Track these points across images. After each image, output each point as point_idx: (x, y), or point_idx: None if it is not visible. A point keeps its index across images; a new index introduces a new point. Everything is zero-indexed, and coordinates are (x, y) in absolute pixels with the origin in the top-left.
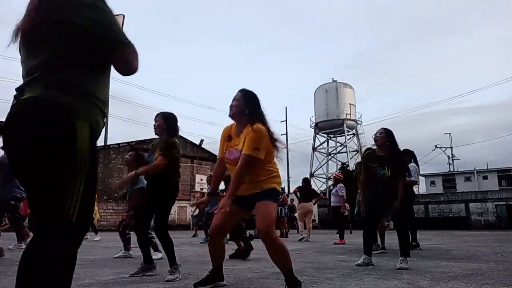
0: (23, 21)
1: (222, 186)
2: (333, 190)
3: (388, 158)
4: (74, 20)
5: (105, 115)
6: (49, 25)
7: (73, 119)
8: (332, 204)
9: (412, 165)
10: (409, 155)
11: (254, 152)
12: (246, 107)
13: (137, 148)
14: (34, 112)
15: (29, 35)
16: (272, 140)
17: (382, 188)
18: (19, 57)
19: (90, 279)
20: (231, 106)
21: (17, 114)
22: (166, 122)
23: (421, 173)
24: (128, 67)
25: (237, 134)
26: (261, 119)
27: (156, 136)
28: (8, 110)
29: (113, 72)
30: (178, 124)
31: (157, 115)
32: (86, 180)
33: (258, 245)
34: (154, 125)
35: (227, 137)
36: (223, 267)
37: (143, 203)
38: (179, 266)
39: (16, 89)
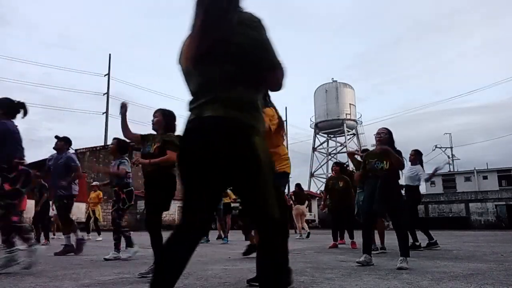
0: (195, 38)
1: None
2: None
3: (386, 153)
4: (241, 42)
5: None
6: (221, 44)
7: (252, 135)
8: None
9: (418, 168)
10: (419, 156)
11: (266, 122)
12: None
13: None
14: (219, 130)
15: (202, 53)
16: (281, 125)
17: (380, 183)
18: (179, 72)
19: (90, 279)
20: None
21: (205, 131)
22: (165, 119)
23: None
24: (277, 86)
25: None
26: (269, 104)
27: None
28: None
29: (114, 71)
30: (177, 123)
31: (156, 111)
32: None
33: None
34: (153, 120)
35: None
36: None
37: (147, 199)
38: None
39: (191, 106)
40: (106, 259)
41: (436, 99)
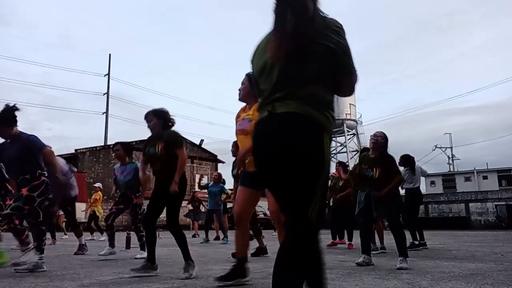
0: (283, 38)
1: (229, 185)
2: None
3: (377, 161)
4: (326, 44)
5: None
6: (303, 45)
7: (322, 132)
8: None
9: (405, 172)
10: (410, 162)
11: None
12: (253, 89)
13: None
14: (293, 125)
15: (289, 52)
16: None
17: (371, 191)
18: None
19: (90, 279)
20: (239, 90)
21: (276, 126)
22: (160, 119)
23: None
24: (351, 91)
25: (246, 111)
26: None
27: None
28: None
29: (114, 71)
30: (177, 123)
31: (147, 115)
32: (325, 186)
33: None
34: (149, 125)
35: (237, 117)
36: (247, 260)
37: (152, 198)
38: (193, 262)
39: (265, 102)
40: (100, 255)
41: (436, 99)
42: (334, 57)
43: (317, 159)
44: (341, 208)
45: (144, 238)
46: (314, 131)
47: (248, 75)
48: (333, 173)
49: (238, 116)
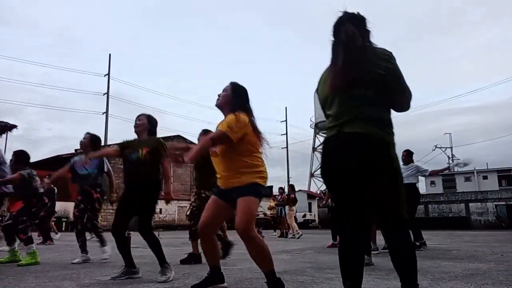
0: (340, 70)
1: None
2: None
3: None
4: (378, 72)
5: None
6: (363, 74)
7: (389, 148)
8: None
9: (416, 164)
10: (411, 156)
11: (227, 130)
12: (233, 99)
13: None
14: (360, 143)
15: (348, 82)
16: (256, 132)
17: None
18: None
19: (90, 279)
20: (218, 96)
21: (345, 143)
22: (149, 123)
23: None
24: (407, 106)
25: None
26: (245, 111)
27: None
28: (6, 110)
29: (114, 71)
30: (177, 123)
31: (140, 115)
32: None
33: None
34: (137, 123)
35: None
36: (220, 267)
37: (121, 203)
38: (169, 265)
39: (332, 124)
40: (73, 263)
41: (436, 99)
42: (387, 82)
43: (389, 170)
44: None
45: (84, 240)
46: (381, 146)
47: (232, 83)
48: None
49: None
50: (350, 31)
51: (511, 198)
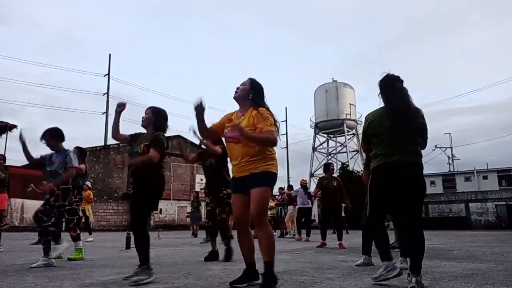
0: (394, 127)
1: None
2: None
3: None
4: (420, 121)
5: None
6: (408, 125)
7: (423, 172)
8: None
9: None
10: None
11: (274, 130)
12: (251, 93)
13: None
14: (418, 169)
15: (399, 131)
16: (276, 124)
17: None
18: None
19: (90, 279)
20: (237, 89)
21: (404, 168)
22: (154, 116)
23: None
24: (425, 147)
25: (238, 116)
26: (265, 106)
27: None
28: (6, 110)
29: (114, 71)
30: (178, 123)
31: (147, 108)
32: None
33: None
34: (143, 117)
35: (229, 120)
36: (255, 264)
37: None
38: (151, 269)
39: (389, 155)
40: (32, 267)
41: (436, 99)
42: (422, 131)
43: (421, 188)
44: (331, 209)
45: (47, 242)
46: (420, 171)
47: (251, 79)
48: (326, 174)
49: (228, 119)
50: (406, 93)
51: (511, 198)
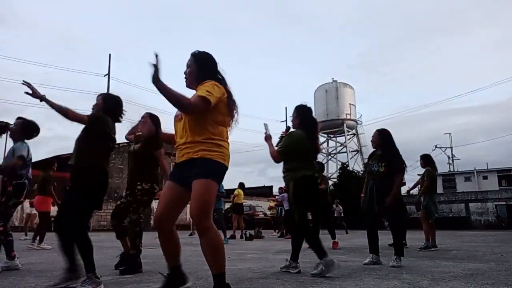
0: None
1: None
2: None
3: (383, 156)
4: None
5: None
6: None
7: None
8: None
9: None
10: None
11: (206, 93)
12: (199, 72)
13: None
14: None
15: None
16: (231, 102)
17: (375, 185)
18: None
19: None
20: (184, 74)
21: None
22: (104, 103)
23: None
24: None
25: None
26: (217, 80)
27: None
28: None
29: (114, 71)
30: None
31: (99, 95)
32: None
33: (258, 244)
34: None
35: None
36: (181, 266)
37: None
38: (99, 277)
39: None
40: None
41: (436, 99)
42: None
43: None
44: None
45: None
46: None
47: (193, 54)
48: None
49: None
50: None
51: (511, 198)
